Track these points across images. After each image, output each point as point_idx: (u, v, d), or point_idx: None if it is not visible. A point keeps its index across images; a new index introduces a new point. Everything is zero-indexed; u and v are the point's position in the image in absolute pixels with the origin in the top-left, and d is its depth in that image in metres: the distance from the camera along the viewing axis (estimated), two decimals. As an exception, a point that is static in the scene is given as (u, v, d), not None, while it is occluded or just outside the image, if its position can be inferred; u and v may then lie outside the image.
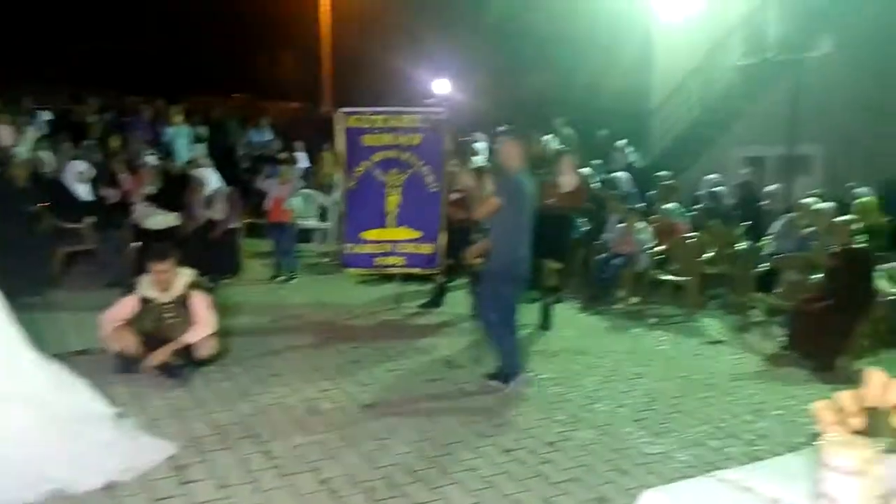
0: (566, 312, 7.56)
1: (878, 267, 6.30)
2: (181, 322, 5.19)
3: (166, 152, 10.49)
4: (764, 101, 11.86)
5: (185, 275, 5.26)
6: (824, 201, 8.10)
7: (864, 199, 8.01)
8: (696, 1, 12.26)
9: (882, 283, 6.20)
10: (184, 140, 11.51)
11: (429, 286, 7.89)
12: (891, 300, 6.32)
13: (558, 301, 7.55)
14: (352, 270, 7.57)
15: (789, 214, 8.13)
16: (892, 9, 10.44)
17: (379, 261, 7.26)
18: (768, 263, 7.33)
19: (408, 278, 7.84)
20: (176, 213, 8.11)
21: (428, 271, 7.44)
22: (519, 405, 4.85)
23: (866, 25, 10.75)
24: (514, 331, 5.25)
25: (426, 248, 7.25)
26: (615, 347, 6.38)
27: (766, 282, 7.11)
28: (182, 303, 5.20)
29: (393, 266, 7.31)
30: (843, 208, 8.28)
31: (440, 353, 6.01)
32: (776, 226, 8.07)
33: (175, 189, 8.60)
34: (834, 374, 5.71)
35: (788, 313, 6.46)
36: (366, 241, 7.19)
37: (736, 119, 12.32)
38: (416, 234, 7.21)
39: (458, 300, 7.81)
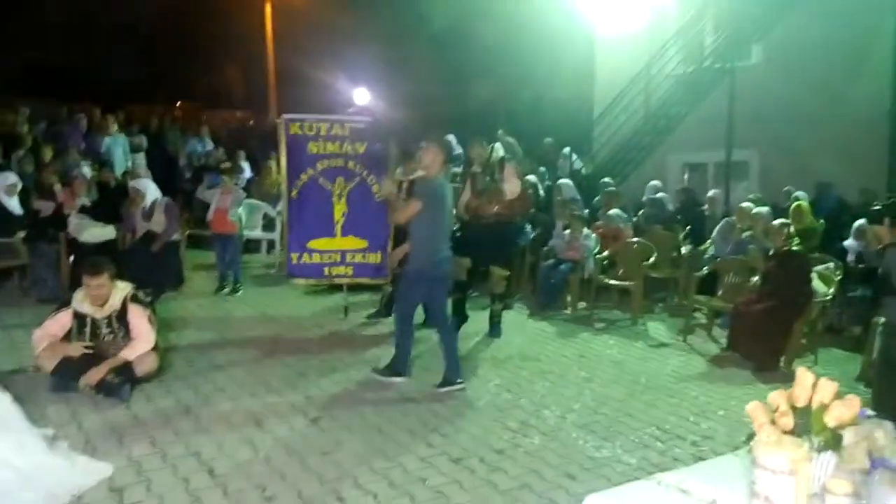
0: (515, 319, 7.60)
1: (814, 268, 6.52)
2: (119, 338, 5.01)
3: (102, 163, 10.15)
4: (701, 109, 12.20)
5: (123, 289, 5.08)
6: (761, 205, 8.37)
7: (798, 203, 8.30)
8: (635, 15, 12.54)
9: (817, 284, 6.41)
10: (120, 150, 11.18)
11: (377, 296, 7.82)
12: (825, 300, 6.54)
13: (507, 308, 7.58)
14: (299, 281, 7.41)
15: (728, 218, 8.36)
16: (817, 20, 10.88)
17: (329, 270, 7.15)
18: (709, 267, 7.50)
19: (355, 288, 7.76)
20: (113, 226, 7.85)
21: (376, 281, 7.37)
22: (468, 413, 4.84)
23: (795, 36, 11.17)
24: (450, 331, 5.46)
25: (374, 258, 7.19)
26: (563, 353, 6.43)
27: (708, 285, 7.28)
28: (120, 318, 5.02)
29: (342, 276, 7.21)
30: (779, 212, 8.57)
31: (388, 363, 5.94)
32: (716, 230, 8.29)
33: (112, 200, 8.35)
34: (774, 374, 5.88)
35: (729, 315, 6.63)
36: (313, 251, 7.06)
37: (675, 126, 12.64)
38: (363, 244, 7.13)
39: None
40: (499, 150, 7.05)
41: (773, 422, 2.07)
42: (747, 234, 7.66)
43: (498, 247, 6.82)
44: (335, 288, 7.87)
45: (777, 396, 2.11)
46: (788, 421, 2.06)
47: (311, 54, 20.70)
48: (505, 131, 12.31)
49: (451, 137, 14.33)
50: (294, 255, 7.03)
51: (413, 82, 20.87)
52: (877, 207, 4.41)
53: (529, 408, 4.97)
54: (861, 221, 7.69)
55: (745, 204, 8.30)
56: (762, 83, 11.43)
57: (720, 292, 7.16)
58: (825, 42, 10.80)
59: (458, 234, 7.14)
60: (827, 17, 10.80)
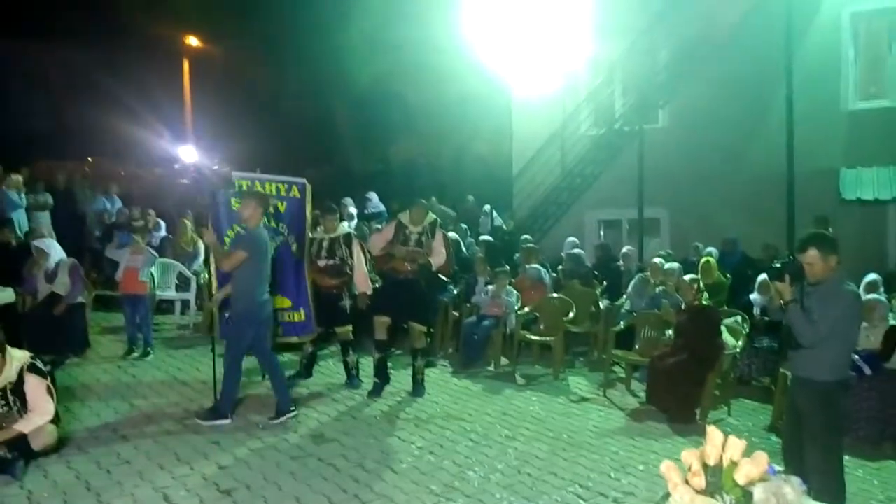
0: (438, 377, 7.54)
1: (723, 321, 6.78)
2: (14, 412, 4.66)
3: (2, 222, 9.61)
4: (615, 168, 12.71)
5: (20, 359, 4.75)
6: (671, 261, 8.71)
7: (706, 259, 8.67)
8: (549, 79, 13.07)
9: (727, 337, 6.66)
10: (22, 209, 10.64)
11: (296, 357, 7.62)
12: (735, 352, 6.79)
13: (430, 365, 7.53)
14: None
15: (642, 274, 8.65)
16: (716, 87, 11.61)
17: None
18: (626, 321, 7.70)
19: (275, 348, 7.53)
20: (12, 289, 7.39)
21: (302, 339, 7.19)
22: (391, 478, 4.71)
23: (697, 101, 11.88)
24: (275, 364, 5.99)
25: (299, 316, 7.04)
26: (487, 410, 6.40)
27: (625, 339, 7.45)
28: (15, 390, 4.68)
29: (273, 335, 6.97)
30: (689, 266, 8.93)
31: (309, 426, 5.76)
32: (631, 285, 8.54)
33: (12, 261, 7.88)
34: (691, 427, 6.02)
35: (647, 369, 6.78)
36: None
37: (591, 184, 13.10)
38: (288, 303, 6.98)
39: (328, 369, 7.61)
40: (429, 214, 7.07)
41: (686, 481, 2.10)
42: (660, 288, 7.93)
43: (417, 303, 6.79)
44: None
45: (689, 456, 2.15)
46: (700, 481, 2.09)
47: (230, 112, 20.54)
48: (436, 200, 12.55)
49: (373, 195, 14.44)
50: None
51: (334, 139, 20.99)
52: (777, 265, 4.64)
53: (453, 469, 4.88)
54: (764, 276, 8.09)
55: (657, 259, 8.62)
56: (669, 145, 12.05)
57: (637, 346, 7.34)
58: (725, 107, 11.50)
59: (377, 291, 7.10)
60: (725, 85, 11.54)
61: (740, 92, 11.38)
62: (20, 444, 4.59)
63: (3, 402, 4.68)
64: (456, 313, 8.86)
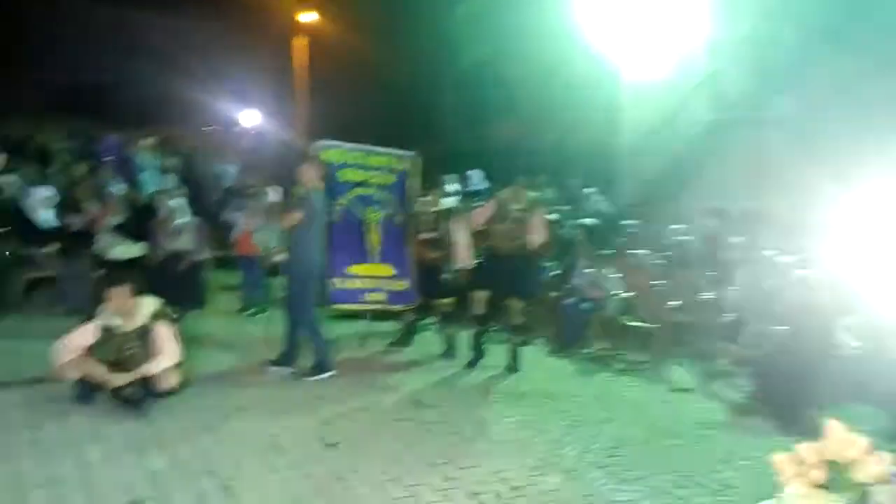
0: (534, 355, 7.55)
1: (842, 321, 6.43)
2: (143, 352, 5.05)
3: (133, 182, 10.32)
4: (727, 156, 12.20)
5: (149, 304, 5.15)
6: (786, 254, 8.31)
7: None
8: (662, 62, 12.65)
9: (844, 336, 6.32)
10: (152, 170, 11.37)
11: (396, 326, 7.83)
12: (852, 353, 6.44)
13: (525, 343, 7.53)
14: (339, 306, 7.36)
15: (752, 266, 8.29)
16: (844, 71, 10.89)
17: (367, 297, 7.16)
18: (733, 313, 7.43)
19: (377, 316, 7.78)
20: (141, 244, 7.95)
21: (406, 307, 7.39)
22: (486, 447, 4.80)
23: (822, 86, 11.19)
24: (314, 324, 6.19)
25: (401, 285, 7.24)
26: (583, 392, 6.37)
27: (731, 331, 7.20)
28: (145, 333, 5.08)
29: (377, 302, 7.23)
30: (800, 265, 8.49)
31: (407, 391, 5.94)
32: (740, 276, 8.21)
33: (141, 219, 8.46)
34: (799, 426, 5.76)
35: (753, 364, 6.54)
36: (354, 276, 7.08)
37: (700, 172, 12.64)
38: (391, 272, 7.19)
39: (428, 339, 7.78)
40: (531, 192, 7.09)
41: (801, 475, 2.03)
42: (773, 282, 7.58)
43: (517, 279, 6.83)
44: (356, 315, 7.89)
45: (806, 449, 2.07)
46: (819, 475, 2.01)
47: (340, 88, 21.09)
48: (544, 179, 12.48)
49: (475, 172, 14.50)
50: (336, 281, 7.01)
51: (439, 117, 21.16)
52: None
53: (548, 445, 4.92)
54: None
55: (770, 251, 8.24)
56: (790, 132, 11.43)
57: (744, 340, 7.07)
58: (848, 93, 10.78)
59: (477, 267, 7.19)
60: (861, 70, 10.80)
61: (882, 74, 10.57)
62: (148, 384, 4.98)
63: (134, 344, 5.08)
64: (554, 293, 8.81)
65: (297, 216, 6.05)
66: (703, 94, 12.71)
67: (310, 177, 6.19)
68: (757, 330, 7.01)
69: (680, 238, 9.78)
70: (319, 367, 6.09)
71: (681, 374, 7.33)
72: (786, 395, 5.95)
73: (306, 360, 6.24)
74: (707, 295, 8.47)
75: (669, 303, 7.89)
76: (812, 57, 11.44)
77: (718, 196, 12.49)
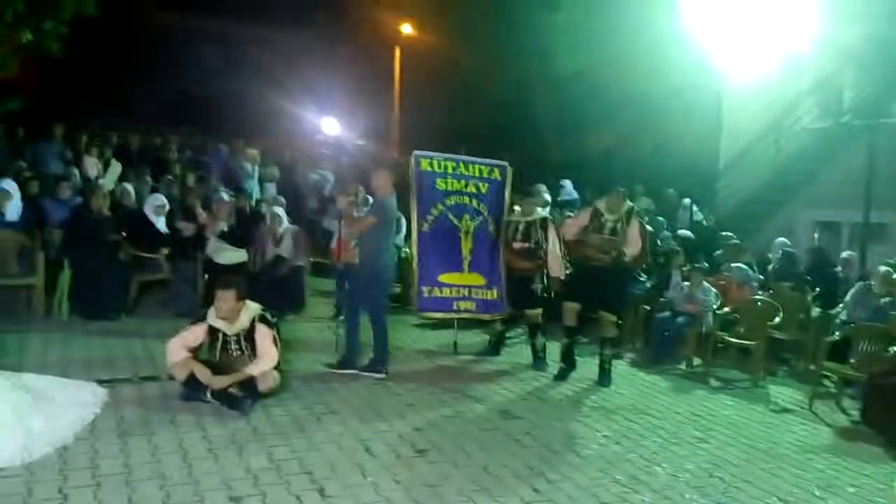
0: (625, 370, 7.41)
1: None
2: (245, 354, 5.31)
3: (238, 189, 10.86)
4: (838, 166, 11.57)
5: (252, 308, 5.40)
6: (902, 271, 7.80)
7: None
8: (769, 65, 12.12)
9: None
10: (255, 179, 11.93)
11: (485, 335, 7.87)
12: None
13: (617, 356, 7.40)
14: (428, 314, 7.50)
15: (864, 283, 7.83)
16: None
17: (457, 305, 7.25)
18: (841, 332, 7.03)
19: (466, 325, 7.85)
20: (245, 249, 8.35)
21: (494, 317, 7.43)
22: (575, 462, 4.75)
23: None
24: (385, 327, 6.42)
25: (492, 294, 7.27)
26: (677, 409, 6.19)
27: (838, 351, 6.82)
28: (248, 335, 5.33)
29: (467, 311, 7.30)
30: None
31: (496, 401, 5.96)
32: (850, 294, 7.77)
33: (247, 226, 8.89)
34: (912, 453, 5.41)
35: (863, 385, 6.17)
36: (444, 285, 7.17)
37: (807, 183, 12.04)
38: (482, 281, 7.24)
39: (516, 350, 7.77)
40: (627, 203, 6.95)
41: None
42: (886, 300, 7.15)
43: (609, 292, 6.72)
44: (444, 323, 7.98)
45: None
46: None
47: (432, 97, 21.40)
48: (643, 190, 12.25)
49: (567, 182, 14.36)
50: (426, 289, 7.13)
51: (533, 126, 21.07)
52: None
53: (639, 463, 4.81)
54: None
55: (884, 268, 7.76)
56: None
57: (852, 360, 6.69)
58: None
59: (569, 277, 7.12)
60: None
61: None
62: (249, 385, 5.22)
63: (237, 347, 5.35)
64: (647, 307, 8.62)
65: (370, 220, 6.29)
66: (813, 100, 12.10)
67: (382, 183, 6.39)
68: (867, 350, 6.62)
69: (785, 251, 9.33)
70: (373, 366, 6.33)
71: (781, 394, 7.01)
72: (898, 421, 5.59)
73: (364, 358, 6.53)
74: (813, 311, 8.08)
75: (771, 319, 7.55)
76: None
77: (827, 208, 11.87)
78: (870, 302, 7.35)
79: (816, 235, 12.36)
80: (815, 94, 12.09)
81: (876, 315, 7.06)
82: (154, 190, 10.24)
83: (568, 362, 6.92)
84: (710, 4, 11.88)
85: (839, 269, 9.09)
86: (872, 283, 7.61)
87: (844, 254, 9.48)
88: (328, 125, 17.98)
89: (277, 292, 7.52)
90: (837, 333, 7.02)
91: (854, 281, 8.36)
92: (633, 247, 6.69)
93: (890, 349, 6.33)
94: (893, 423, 5.61)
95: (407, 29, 21.65)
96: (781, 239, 10.14)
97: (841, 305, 7.91)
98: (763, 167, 12.33)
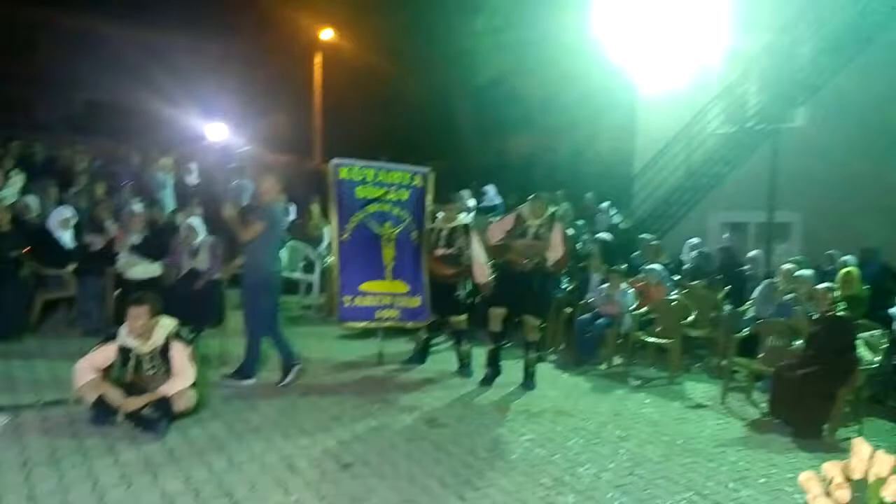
0: (549, 372, 7.54)
1: (860, 335, 6.36)
2: (160, 373, 5.10)
3: (152, 201, 10.45)
4: (744, 169, 12.14)
5: (167, 325, 5.19)
6: (804, 268, 8.24)
7: (848, 270, 8.09)
8: (679, 74, 12.64)
9: (862, 352, 6.25)
10: (171, 189, 11.51)
11: (411, 343, 7.85)
12: (870, 369, 6.36)
13: (541, 359, 7.53)
14: (350, 324, 7.43)
15: (770, 280, 8.23)
16: (862, 83, 10.84)
17: (379, 314, 7.19)
18: (750, 328, 7.37)
19: (391, 334, 7.81)
20: (159, 263, 8.04)
21: (419, 324, 7.40)
22: (501, 467, 4.78)
23: (840, 99, 11.14)
24: (276, 334, 6.42)
25: (415, 302, 7.24)
26: (599, 409, 6.33)
27: (748, 347, 7.14)
28: (162, 353, 5.12)
29: (390, 319, 7.25)
30: (822, 275, 8.41)
31: (422, 411, 5.93)
32: (757, 291, 8.16)
33: (161, 238, 8.56)
34: (817, 442, 5.71)
35: (771, 379, 6.48)
36: (366, 294, 7.10)
37: (717, 185, 12.59)
38: (406, 288, 7.20)
39: (442, 357, 7.78)
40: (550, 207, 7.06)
41: (827, 494, 2.01)
42: (790, 296, 7.54)
43: (533, 296, 6.81)
44: (369, 332, 7.93)
45: (831, 467, 2.05)
46: (845, 494, 1.99)
47: (354, 103, 21.28)
48: (563, 194, 12.48)
49: (490, 188, 14.53)
50: (347, 298, 7.04)
51: (454, 133, 21.24)
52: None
53: (563, 464, 4.89)
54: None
55: (787, 266, 8.18)
56: (806, 145, 11.37)
57: (761, 355, 7.01)
58: (873, 107, 10.73)
59: (494, 284, 7.18)
60: (872, 81, 10.76)
61: (891, 89, 10.57)
62: (164, 405, 5.01)
63: (151, 366, 5.13)
64: (569, 309, 8.80)
65: (258, 227, 6.20)
66: (720, 106, 12.66)
67: (268, 188, 6.39)
68: (774, 344, 6.95)
69: (696, 252, 9.72)
70: (242, 373, 6.32)
71: (697, 390, 7.28)
72: (803, 411, 5.89)
73: (271, 371, 6.55)
74: (724, 309, 8.43)
75: (685, 318, 7.85)
76: (826, 69, 11.40)
77: (735, 209, 12.44)
78: (775, 298, 7.72)
79: (726, 235, 12.93)
80: (722, 101, 12.65)
81: (781, 311, 7.42)
82: (60, 202, 9.73)
83: (493, 367, 6.97)
84: (620, 17, 12.31)
85: (747, 267, 9.54)
86: (777, 280, 8.01)
87: (751, 252, 9.96)
88: (213, 131, 17.33)
89: (194, 307, 7.25)
90: (746, 330, 7.35)
91: (761, 278, 8.78)
92: (555, 251, 6.80)
93: (794, 343, 6.66)
94: (799, 414, 5.91)
95: (327, 35, 21.44)
96: (694, 239, 10.58)
97: (749, 302, 8.29)
98: (675, 170, 12.81)
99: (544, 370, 7.45)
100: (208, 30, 23.13)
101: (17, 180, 10.34)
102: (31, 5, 20.35)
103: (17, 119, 17.94)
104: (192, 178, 12.94)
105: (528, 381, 6.85)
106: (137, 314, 5.05)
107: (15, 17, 20.11)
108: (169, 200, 10.95)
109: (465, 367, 7.21)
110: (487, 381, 6.85)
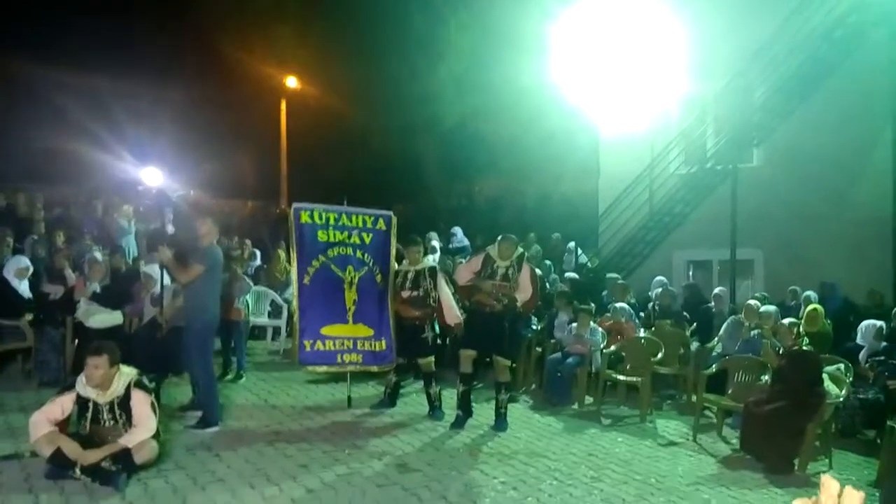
0: (521, 413, 7.46)
1: (825, 369, 6.45)
2: (120, 423, 4.92)
3: (114, 248, 10.27)
4: (705, 207, 12.40)
5: (127, 374, 5.03)
6: (767, 304, 8.39)
7: (813, 307, 8.21)
8: (638, 117, 12.97)
9: (829, 385, 6.32)
10: (133, 236, 11.33)
11: (380, 386, 7.73)
12: (837, 402, 6.43)
13: (512, 400, 7.45)
14: (311, 368, 7.30)
15: (736, 316, 8.34)
16: (816, 125, 11.24)
17: (341, 357, 7.07)
18: (717, 364, 7.42)
19: (358, 378, 7.69)
20: (120, 311, 7.85)
21: (383, 369, 7.30)
22: (474, 511, 4.68)
23: (795, 139, 11.52)
24: (213, 379, 6.44)
25: (379, 346, 7.15)
26: (571, 450, 6.27)
27: (716, 382, 7.18)
28: (122, 404, 4.95)
29: (353, 363, 7.13)
30: (785, 310, 8.56)
31: (393, 455, 5.81)
32: (723, 327, 8.25)
33: (122, 285, 8.38)
34: (789, 477, 5.72)
35: (741, 414, 6.50)
36: (327, 338, 6.99)
37: (680, 223, 12.82)
38: (370, 332, 7.11)
39: (411, 400, 7.67)
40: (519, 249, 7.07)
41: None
42: (755, 332, 7.63)
43: (503, 337, 6.78)
44: (338, 377, 7.79)
45: (802, 504, 2.04)
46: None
47: (321, 146, 21.36)
48: (534, 238, 12.58)
49: (457, 230, 14.61)
50: (307, 343, 6.93)
51: (420, 176, 21.41)
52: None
53: (537, 507, 4.81)
54: (869, 322, 7.68)
55: (752, 301, 8.31)
56: (764, 184, 11.69)
57: (730, 391, 7.05)
58: (826, 145, 11.14)
59: (464, 325, 7.14)
60: (826, 122, 11.17)
61: (843, 129, 10.99)
62: (124, 457, 4.82)
63: (110, 416, 4.95)
64: (539, 349, 8.78)
65: (198, 269, 6.16)
66: (680, 148, 12.98)
67: (206, 231, 6.40)
68: (742, 380, 7.01)
69: (662, 290, 9.83)
70: (206, 422, 6.19)
71: (668, 427, 7.27)
72: (774, 446, 5.91)
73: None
74: (692, 346, 8.50)
75: (654, 355, 7.88)
76: (781, 111, 11.80)
77: (698, 247, 12.66)
78: (741, 334, 7.81)
79: (690, 273, 13.12)
80: (681, 143, 12.97)
81: (747, 346, 7.51)
82: (17, 251, 9.49)
83: (464, 409, 6.88)
84: (579, 62, 12.67)
85: (712, 304, 9.66)
86: (742, 316, 8.11)
87: (717, 290, 10.10)
88: (148, 175, 16.91)
89: (157, 354, 7.07)
90: (714, 366, 7.39)
91: (727, 314, 8.89)
92: (524, 292, 6.80)
93: (762, 378, 6.72)
94: (770, 449, 5.93)
95: (292, 82, 21.59)
96: (659, 277, 10.70)
97: (716, 339, 8.38)
98: (639, 210, 13.01)
99: (516, 411, 7.38)
100: (173, 78, 23.13)
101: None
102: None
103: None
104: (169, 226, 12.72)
105: (500, 423, 6.77)
106: (96, 364, 4.89)
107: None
108: (132, 246, 10.76)
109: (435, 410, 7.11)
110: (459, 423, 6.76)
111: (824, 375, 6.34)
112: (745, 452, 6.18)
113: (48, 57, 21.90)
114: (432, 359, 7.18)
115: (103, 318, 7.65)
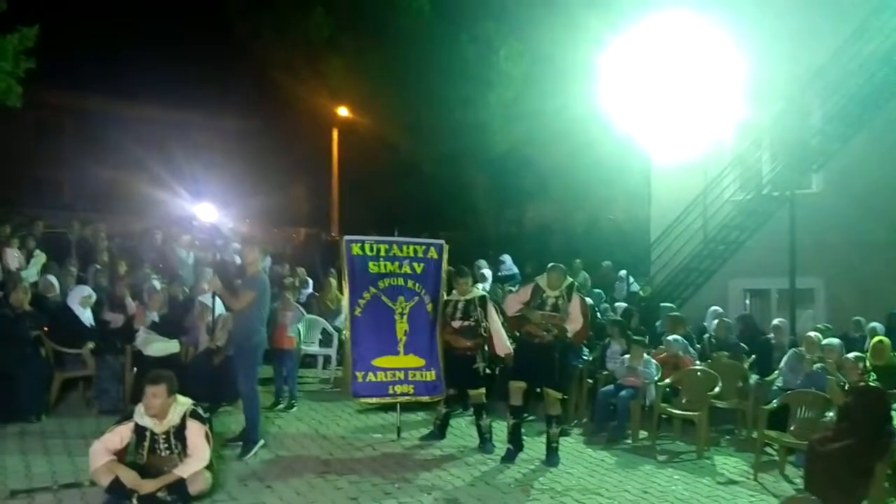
0: (573, 447, 7.31)
1: (894, 405, 6.15)
2: (176, 454, 5.01)
3: (173, 277, 10.54)
4: (762, 235, 12.06)
5: (183, 404, 5.13)
6: (830, 335, 8.06)
7: (879, 339, 7.82)
8: (691, 144, 12.76)
9: (897, 420, 6.02)
10: (191, 265, 11.62)
11: (429, 416, 7.69)
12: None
13: (564, 433, 7.31)
14: (364, 400, 7.33)
15: (797, 349, 8.03)
16: (877, 148, 10.88)
17: (393, 389, 7.09)
18: (778, 399, 7.14)
19: (408, 408, 7.67)
20: (177, 340, 8.03)
21: (434, 398, 7.28)
22: (526, 550, 4.58)
23: (855, 164, 11.16)
24: (257, 403, 6.66)
25: (430, 376, 7.15)
26: (626, 487, 6.10)
27: (777, 418, 6.90)
28: (178, 432, 5.05)
29: (404, 395, 7.14)
30: (849, 342, 8.21)
31: (443, 490, 5.75)
32: (784, 360, 7.95)
33: (179, 314, 8.58)
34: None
35: (804, 453, 6.24)
36: (378, 369, 7.03)
37: (735, 252, 12.47)
38: (421, 363, 7.12)
39: (461, 432, 7.60)
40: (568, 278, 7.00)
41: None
42: (818, 365, 7.34)
43: (553, 368, 6.68)
44: (387, 406, 7.78)
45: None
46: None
47: (372, 175, 21.64)
48: (580, 264, 12.47)
49: (506, 257, 14.54)
50: (360, 374, 6.98)
51: (470, 204, 21.44)
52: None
53: (591, 547, 4.68)
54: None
55: (812, 334, 8.00)
56: (825, 210, 11.31)
57: (792, 427, 6.77)
58: (887, 170, 10.75)
59: (513, 356, 7.08)
60: (887, 146, 10.80)
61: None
62: (179, 488, 4.90)
63: (166, 446, 5.05)
64: (591, 380, 8.62)
65: (249, 296, 6.37)
66: (734, 174, 12.69)
67: (252, 259, 6.67)
68: (804, 416, 6.74)
69: (718, 321, 9.54)
70: (249, 439, 6.42)
71: (727, 464, 7.02)
72: (840, 487, 5.65)
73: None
74: (751, 379, 8.22)
75: (712, 388, 7.64)
76: (840, 135, 11.47)
77: (755, 276, 12.31)
78: (803, 368, 7.52)
79: (747, 302, 12.74)
80: (735, 169, 12.68)
81: (810, 380, 7.21)
82: (80, 280, 9.83)
83: (515, 443, 6.79)
84: (630, 89, 12.56)
85: (771, 335, 9.33)
86: (804, 349, 7.81)
87: (776, 321, 9.74)
88: (202, 211, 17.24)
89: (210, 384, 7.19)
90: (775, 401, 7.12)
91: (787, 346, 8.58)
92: (574, 323, 6.72)
93: (826, 415, 6.44)
94: (836, 489, 5.66)
95: (343, 111, 21.99)
96: (714, 307, 10.40)
97: (776, 372, 8.08)
98: (692, 238, 12.72)
99: (568, 445, 7.23)
100: (227, 110, 23.89)
101: (40, 259, 10.51)
102: (59, 90, 21.16)
103: (42, 198, 18.37)
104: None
105: (552, 457, 6.65)
106: (155, 392, 5.01)
107: (43, 101, 20.86)
108: (190, 276, 11.03)
109: (486, 443, 7.02)
110: (509, 457, 6.66)
111: (894, 412, 6.04)
112: (810, 493, 5.91)
113: (111, 93, 22.94)
114: (483, 390, 7.12)
115: (161, 347, 7.84)
